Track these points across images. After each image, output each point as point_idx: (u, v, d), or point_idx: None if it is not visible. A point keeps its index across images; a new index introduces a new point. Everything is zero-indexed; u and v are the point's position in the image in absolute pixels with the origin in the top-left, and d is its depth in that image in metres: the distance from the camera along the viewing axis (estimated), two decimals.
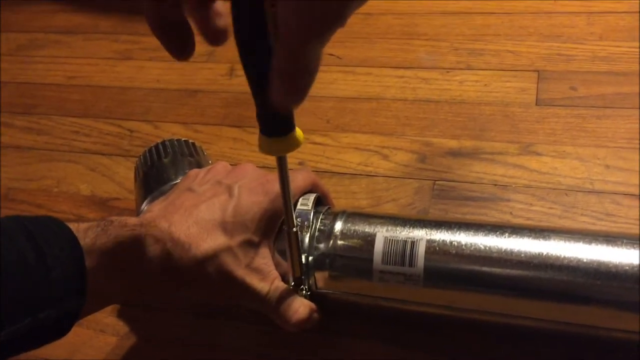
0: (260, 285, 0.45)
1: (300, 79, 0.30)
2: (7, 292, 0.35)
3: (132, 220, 0.43)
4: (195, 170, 0.51)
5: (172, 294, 0.49)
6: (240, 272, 0.44)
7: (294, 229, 0.44)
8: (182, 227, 0.44)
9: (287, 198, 0.42)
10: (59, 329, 0.39)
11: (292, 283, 0.47)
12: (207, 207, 0.45)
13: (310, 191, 0.50)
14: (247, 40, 0.32)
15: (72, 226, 0.39)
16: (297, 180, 0.49)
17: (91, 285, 0.39)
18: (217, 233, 0.44)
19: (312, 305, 0.47)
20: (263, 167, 0.50)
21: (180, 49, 0.34)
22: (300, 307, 0.46)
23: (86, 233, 0.40)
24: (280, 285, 0.46)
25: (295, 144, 0.37)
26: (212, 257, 0.44)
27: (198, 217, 0.45)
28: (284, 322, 0.46)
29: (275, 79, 0.30)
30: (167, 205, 0.47)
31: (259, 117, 0.36)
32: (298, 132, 0.37)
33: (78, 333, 0.55)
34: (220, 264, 0.44)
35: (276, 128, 0.36)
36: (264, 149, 0.37)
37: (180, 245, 0.43)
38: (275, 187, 0.46)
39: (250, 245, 0.45)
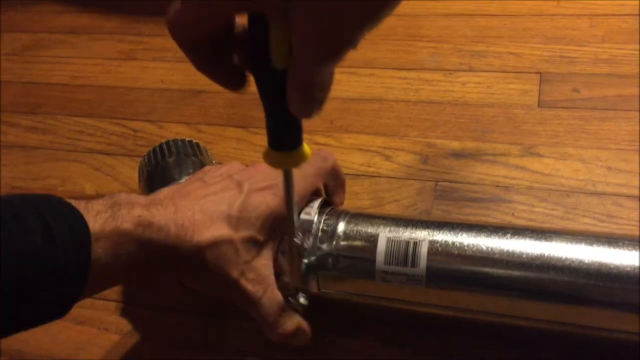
0: (255, 288, 0.45)
1: (317, 93, 0.32)
2: (14, 271, 0.35)
3: (141, 201, 0.43)
4: (208, 166, 0.51)
5: (171, 279, 0.50)
6: (238, 268, 0.45)
7: (296, 240, 0.44)
8: (188, 213, 0.44)
9: (291, 210, 0.43)
10: (58, 311, 0.39)
11: (292, 292, 0.47)
12: (215, 198, 0.46)
13: (322, 187, 0.50)
14: (262, 61, 0.32)
15: (82, 209, 0.40)
16: (309, 176, 0.49)
17: (95, 269, 0.39)
18: (221, 224, 0.45)
19: (302, 322, 0.47)
20: None
21: (236, 82, 0.36)
22: (288, 321, 0.46)
23: (95, 218, 0.40)
24: (274, 293, 0.46)
25: (302, 158, 0.38)
26: (213, 246, 0.44)
27: (205, 206, 0.45)
28: (269, 330, 0.47)
29: (292, 93, 0.32)
30: (176, 190, 0.47)
31: (268, 131, 0.37)
32: (305, 146, 0.38)
33: (82, 331, 0.55)
34: (220, 254, 0.44)
35: (285, 142, 0.37)
36: (272, 162, 0.38)
37: (184, 231, 0.43)
38: None
39: (254, 243, 0.46)
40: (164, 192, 0.47)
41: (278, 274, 0.47)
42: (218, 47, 0.33)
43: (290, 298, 0.47)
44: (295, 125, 0.36)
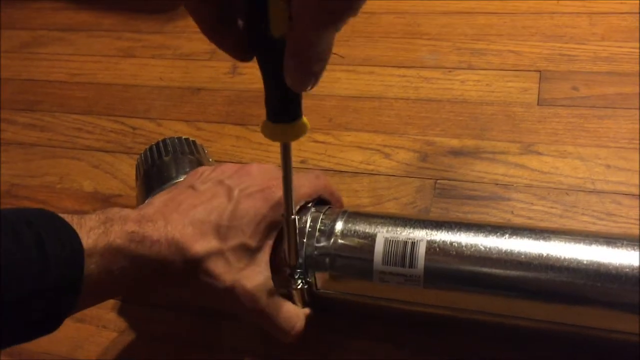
0: (253, 297, 0.45)
1: (313, 65, 0.31)
2: (5, 285, 0.35)
3: (133, 216, 0.43)
4: (202, 168, 0.51)
5: (165, 292, 0.50)
6: (230, 277, 0.44)
7: (292, 217, 0.43)
8: (178, 226, 0.44)
9: (288, 186, 0.42)
10: (50, 325, 0.39)
11: (288, 272, 0.46)
12: (204, 208, 0.46)
13: (319, 197, 0.50)
14: (260, 27, 0.32)
15: (75, 224, 0.40)
16: (304, 187, 0.48)
17: (87, 284, 0.39)
18: (210, 236, 0.44)
19: (306, 311, 0.47)
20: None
21: (241, 50, 0.34)
22: (296, 321, 0.46)
23: (88, 234, 0.40)
24: (274, 299, 0.46)
25: (302, 131, 0.37)
26: (203, 260, 0.44)
27: (194, 217, 0.45)
28: (277, 335, 0.47)
29: (290, 63, 0.31)
30: (168, 201, 0.47)
31: (267, 102, 0.36)
32: (305, 120, 0.37)
33: (80, 329, 0.55)
34: (210, 267, 0.44)
35: (284, 114, 0.36)
36: (271, 135, 0.37)
37: (175, 245, 0.43)
38: (277, 194, 0.46)
39: (245, 250, 0.45)
40: (155, 205, 0.46)
41: (278, 268, 0.47)
42: (221, 11, 0.33)
43: (291, 283, 0.46)
44: (294, 98, 0.35)
